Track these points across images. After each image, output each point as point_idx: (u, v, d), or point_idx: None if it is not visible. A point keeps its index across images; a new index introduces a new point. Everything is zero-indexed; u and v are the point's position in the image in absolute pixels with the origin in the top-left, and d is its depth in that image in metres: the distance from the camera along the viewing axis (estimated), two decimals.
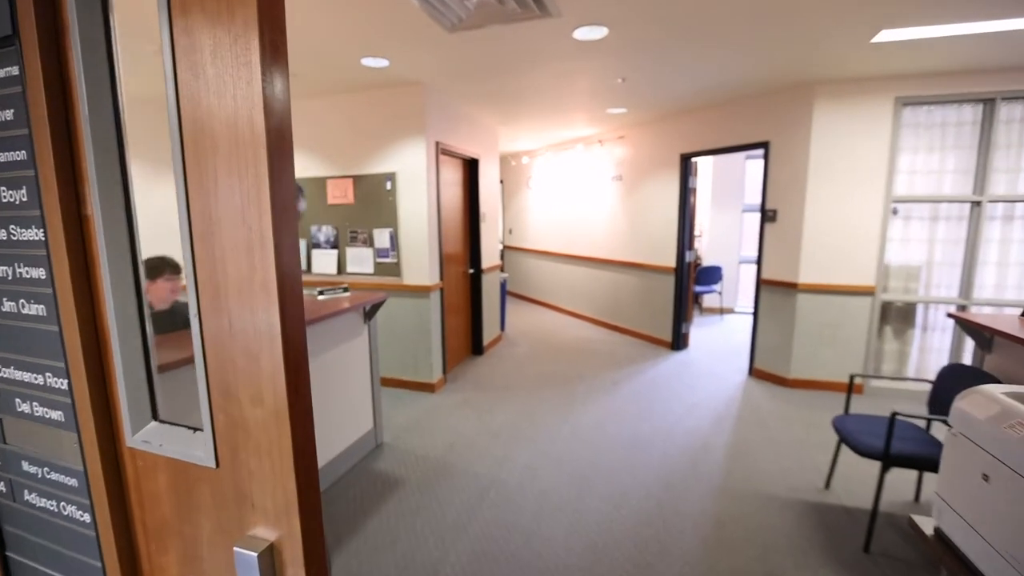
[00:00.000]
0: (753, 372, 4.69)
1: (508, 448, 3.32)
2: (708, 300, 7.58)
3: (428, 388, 4.34)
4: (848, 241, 4.05)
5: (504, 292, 6.36)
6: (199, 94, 0.64)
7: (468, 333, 5.38)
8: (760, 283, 4.56)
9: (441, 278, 4.40)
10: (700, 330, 6.44)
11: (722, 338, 6.14)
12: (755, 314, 4.63)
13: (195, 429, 0.78)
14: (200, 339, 0.71)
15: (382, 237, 4.22)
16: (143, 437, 0.81)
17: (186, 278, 0.69)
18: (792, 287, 4.25)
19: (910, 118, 3.87)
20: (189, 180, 0.67)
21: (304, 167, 4.50)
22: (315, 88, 4.05)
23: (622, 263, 6.20)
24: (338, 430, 2.98)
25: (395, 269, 4.25)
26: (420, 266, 4.19)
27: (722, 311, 7.36)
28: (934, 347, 4.12)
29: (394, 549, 2.35)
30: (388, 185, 4.13)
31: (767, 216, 4.44)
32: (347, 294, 3.13)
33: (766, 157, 4.40)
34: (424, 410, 3.97)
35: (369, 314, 3.15)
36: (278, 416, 0.68)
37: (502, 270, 6.84)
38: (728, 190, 7.43)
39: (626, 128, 6.01)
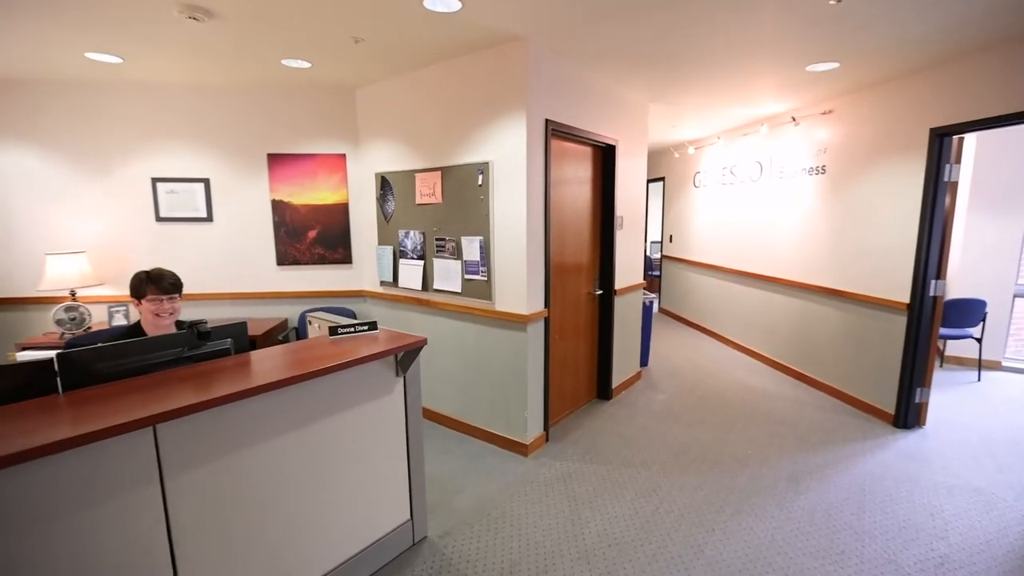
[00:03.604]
0: None
1: None
2: (955, 347, 5.17)
3: (520, 449, 3.30)
4: None
5: (650, 318, 5.00)
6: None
7: (591, 371, 4.19)
8: None
9: (546, 304, 3.31)
10: (944, 396, 4.26)
11: (983, 414, 3.91)
12: None
13: None
14: None
15: (471, 247, 3.29)
16: None
17: None
18: None
19: None
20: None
21: (391, 159, 3.79)
22: (393, 63, 3.27)
23: (820, 289, 4.38)
24: (349, 527, 2.07)
25: (485, 290, 3.28)
26: (516, 288, 3.16)
27: (981, 366, 4.91)
28: None
29: None
30: (479, 179, 3.17)
31: None
32: (374, 332, 2.24)
33: None
34: (504, 486, 2.93)
35: (403, 363, 2.21)
36: None
37: (650, 290, 5.45)
38: (1002, 186, 4.93)
39: (835, 96, 4.18)
